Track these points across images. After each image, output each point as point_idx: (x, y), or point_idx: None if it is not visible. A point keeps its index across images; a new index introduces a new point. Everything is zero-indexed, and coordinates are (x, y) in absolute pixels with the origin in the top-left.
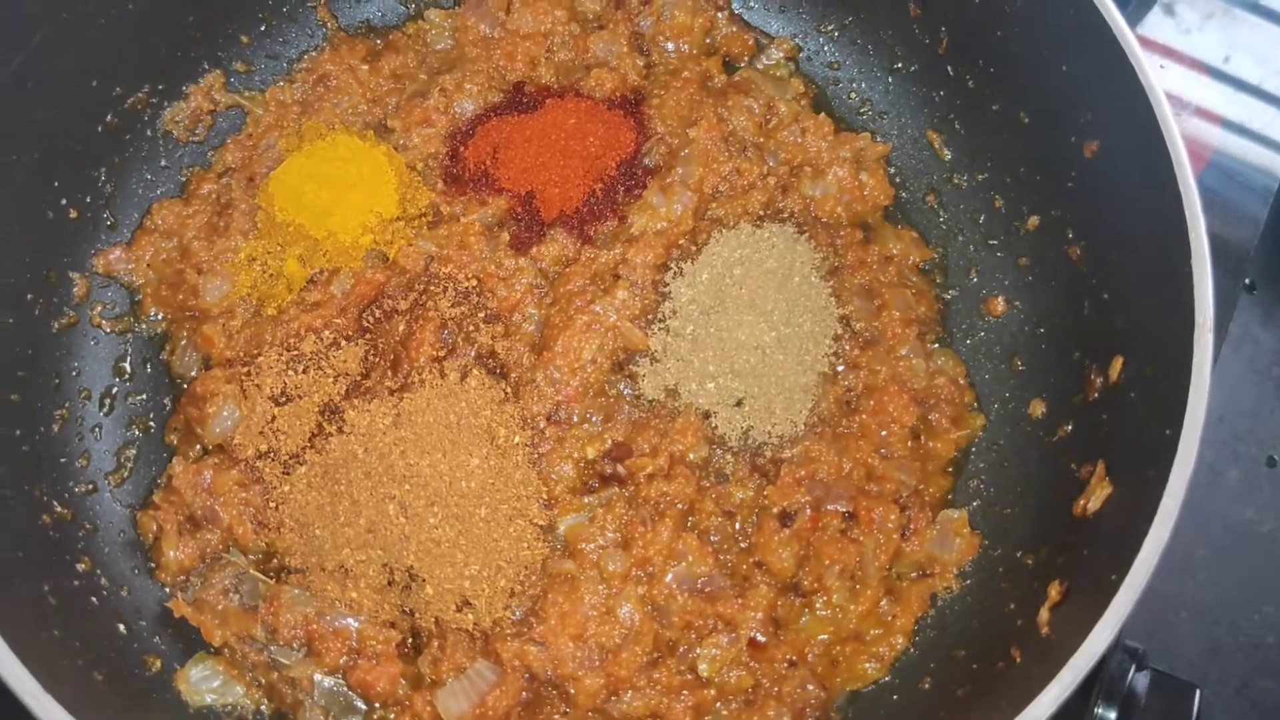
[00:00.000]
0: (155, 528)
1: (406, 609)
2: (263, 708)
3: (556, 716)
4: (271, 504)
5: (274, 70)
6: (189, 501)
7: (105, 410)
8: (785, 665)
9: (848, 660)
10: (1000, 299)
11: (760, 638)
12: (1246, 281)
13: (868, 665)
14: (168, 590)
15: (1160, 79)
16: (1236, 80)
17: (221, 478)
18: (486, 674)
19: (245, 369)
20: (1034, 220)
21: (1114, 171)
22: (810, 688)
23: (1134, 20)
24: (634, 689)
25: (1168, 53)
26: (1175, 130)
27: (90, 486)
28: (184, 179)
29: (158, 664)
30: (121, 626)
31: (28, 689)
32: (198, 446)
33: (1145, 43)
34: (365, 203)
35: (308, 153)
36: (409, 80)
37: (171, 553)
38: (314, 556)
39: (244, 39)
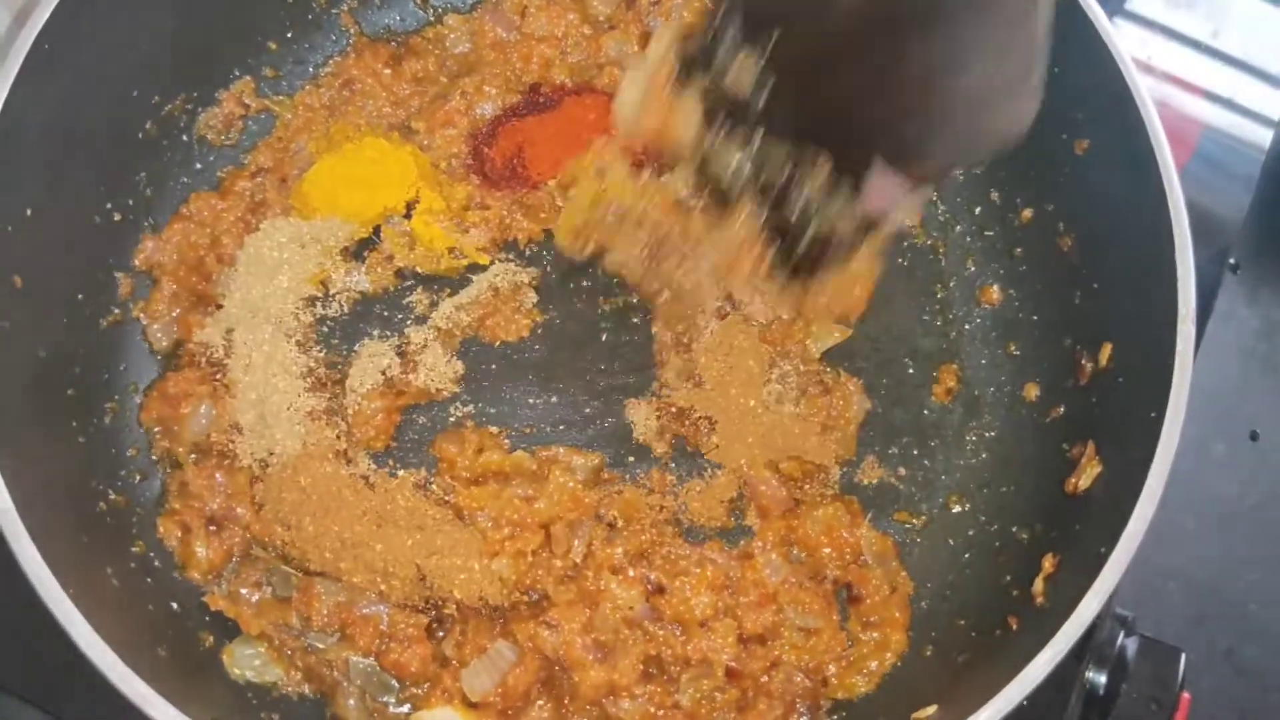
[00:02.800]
0: (179, 532)
1: (431, 600)
2: (305, 690)
3: (566, 699)
4: None
5: (301, 75)
6: (206, 502)
7: None
8: (768, 667)
9: (838, 676)
10: (995, 287)
11: (735, 665)
12: (1231, 262)
13: (856, 679)
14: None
15: (1153, 60)
16: (1225, 55)
17: (234, 478)
18: (506, 654)
19: None
20: (1028, 213)
21: (1103, 169)
22: (798, 678)
23: None
24: (630, 698)
25: (1156, 28)
26: (1161, 132)
27: (140, 474)
28: (219, 179)
29: (210, 640)
30: (175, 605)
31: (113, 668)
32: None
33: (1133, 18)
34: (394, 201)
35: (339, 155)
36: (430, 83)
37: (201, 550)
38: None
39: (272, 46)
